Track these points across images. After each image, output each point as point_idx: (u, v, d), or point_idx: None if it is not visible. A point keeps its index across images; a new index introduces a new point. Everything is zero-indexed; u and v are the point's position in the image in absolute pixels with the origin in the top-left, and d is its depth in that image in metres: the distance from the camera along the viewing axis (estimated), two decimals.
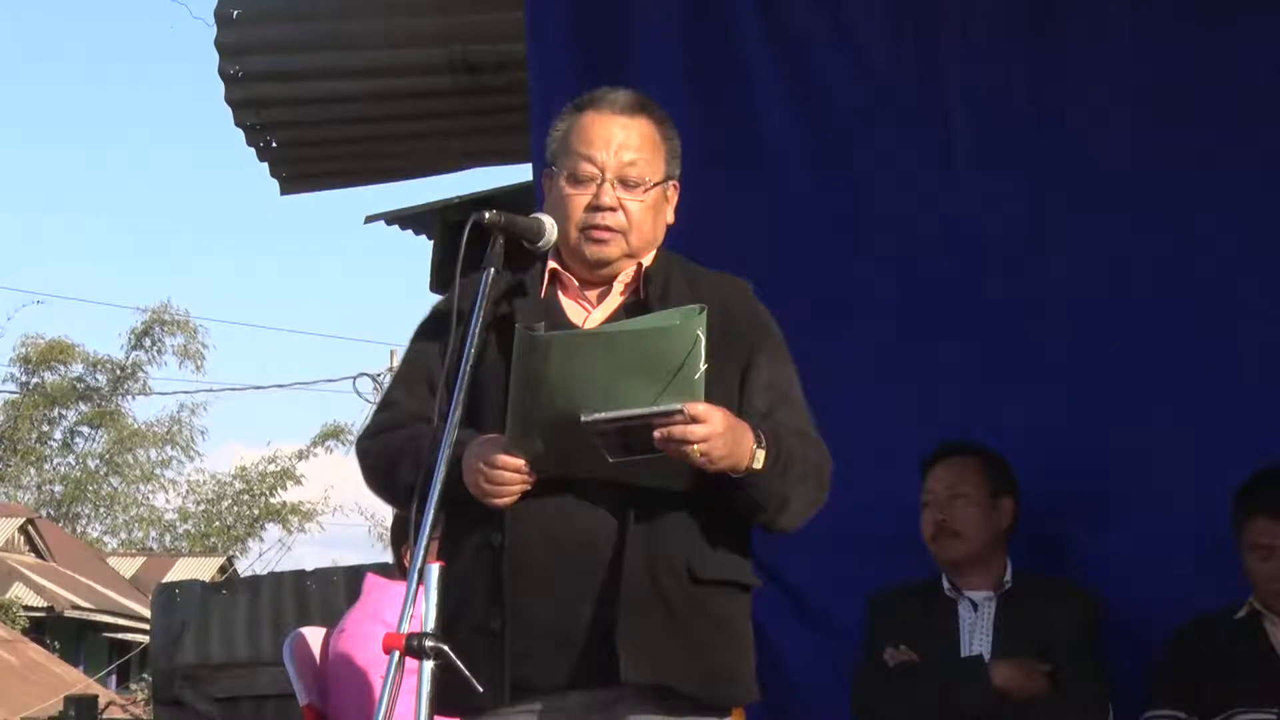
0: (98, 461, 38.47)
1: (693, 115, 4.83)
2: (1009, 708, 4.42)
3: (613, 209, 3.35)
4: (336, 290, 65.74)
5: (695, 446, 3.09)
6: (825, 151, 5.07)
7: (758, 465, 3.18)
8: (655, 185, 3.38)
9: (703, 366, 3.09)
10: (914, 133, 5.00)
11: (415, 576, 3.01)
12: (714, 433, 3.10)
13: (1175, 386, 4.75)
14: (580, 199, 3.36)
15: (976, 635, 4.56)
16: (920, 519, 4.66)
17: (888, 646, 4.55)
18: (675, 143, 3.46)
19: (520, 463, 3.15)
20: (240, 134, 6.50)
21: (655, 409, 3.07)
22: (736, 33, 5.11)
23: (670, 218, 3.45)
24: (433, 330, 3.42)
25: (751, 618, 3.37)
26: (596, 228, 3.34)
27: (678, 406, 3.07)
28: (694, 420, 3.07)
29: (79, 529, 38.96)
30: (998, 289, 4.89)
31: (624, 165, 3.35)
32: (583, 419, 3.07)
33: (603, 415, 3.07)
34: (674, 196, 3.45)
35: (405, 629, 3.00)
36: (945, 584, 4.62)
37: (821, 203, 5.05)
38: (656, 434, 3.08)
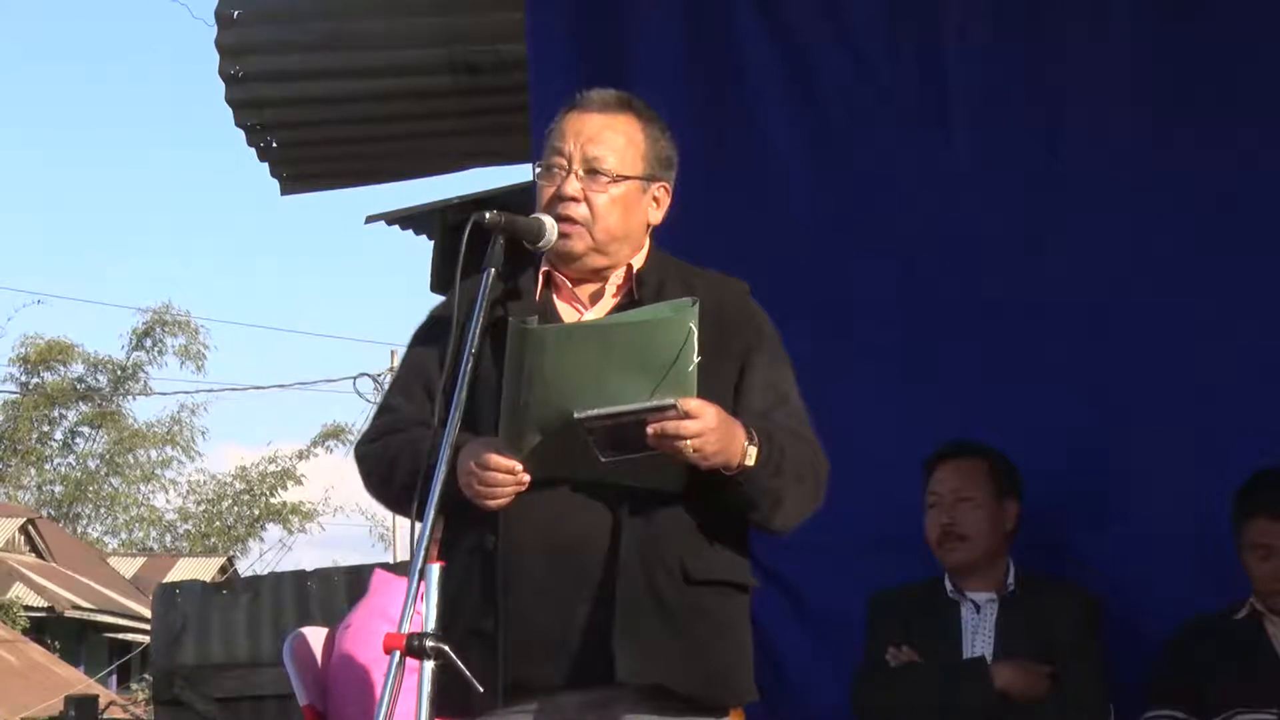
0: (98, 462, 38.48)
1: (693, 115, 4.84)
2: (1010, 709, 4.42)
3: (575, 199, 3.32)
4: (336, 290, 65.80)
5: (688, 442, 3.08)
6: (825, 151, 5.07)
7: (750, 462, 3.18)
8: (626, 179, 3.35)
9: (695, 359, 3.08)
10: (914, 133, 5.00)
11: (415, 576, 3.01)
12: (707, 428, 3.09)
13: (1175, 386, 4.75)
14: (548, 191, 3.35)
15: (979, 637, 4.55)
16: (921, 519, 4.66)
17: (889, 647, 4.55)
18: (663, 145, 3.42)
19: (512, 464, 3.14)
20: (241, 134, 6.51)
21: (648, 404, 3.07)
22: (736, 33, 5.11)
23: (654, 219, 3.41)
24: (430, 334, 3.42)
25: (751, 618, 3.37)
26: (561, 220, 3.32)
27: (670, 401, 3.06)
28: (687, 415, 3.07)
29: (79, 529, 38.96)
30: (998, 289, 4.89)
31: (589, 155, 3.33)
32: (576, 415, 3.07)
33: (595, 412, 3.06)
34: (663, 199, 3.42)
35: (406, 629, 3.00)
36: (948, 585, 4.62)
37: (821, 203, 5.05)
38: (649, 429, 3.07)
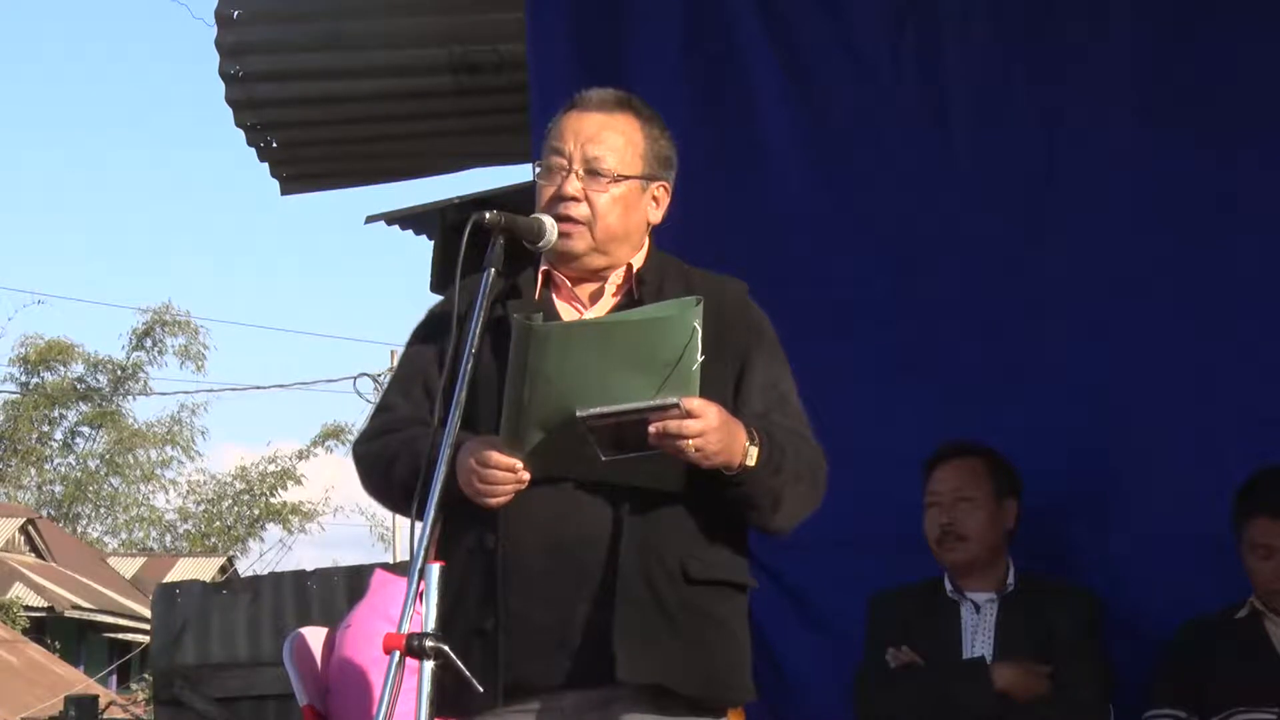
0: (98, 462, 38.48)
1: (693, 115, 4.84)
2: (1011, 709, 4.42)
3: (575, 199, 3.33)
4: (336, 290, 65.80)
5: (690, 441, 3.08)
6: (825, 151, 5.06)
7: (750, 462, 3.18)
8: (626, 179, 3.35)
9: (699, 359, 3.08)
10: (914, 133, 5.00)
11: (415, 576, 3.01)
12: (709, 427, 3.10)
13: (1175, 386, 4.75)
14: (548, 190, 3.36)
15: (979, 637, 4.56)
16: (921, 519, 4.66)
17: (889, 647, 4.55)
18: (663, 144, 3.42)
19: (513, 462, 3.14)
20: (241, 134, 6.51)
21: (651, 403, 3.07)
22: (736, 33, 5.10)
23: (654, 218, 3.42)
24: (429, 333, 3.43)
25: (750, 618, 3.37)
26: (560, 219, 3.33)
27: (673, 401, 3.06)
28: (689, 415, 3.07)
29: (79, 529, 38.96)
30: (998, 289, 4.89)
31: (589, 155, 3.34)
32: (578, 414, 3.07)
33: (597, 410, 3.06)
34: (662, 198, 3.43)
35: (406, 629, 3.00)
36: (948, 585, 4.62)
37: (821, 203, 5.05)
38: (652, 428, 3.07)
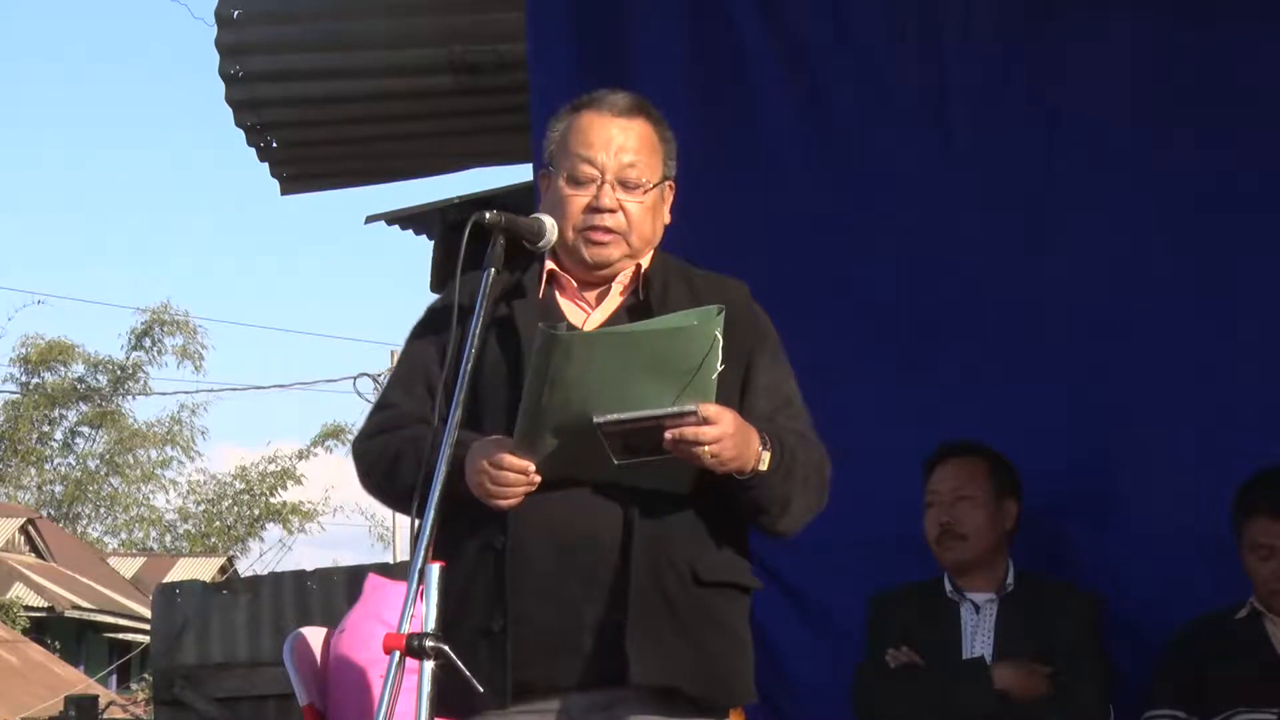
0: (98, 462, 38.48)
1: (693, 115, 4.84)
2: (1010, 709, 4.42)
3: (612, 210, 3.35)
4: (336, 290, 65.80)
5: (706, 448, 3.09)
6: (825, 151, 5.07)
7: (763, 467, 3.19)
8: (654, 186, 3.39)
9: (719, 367, 3.09)
10: (914, 133, 5.00)
11: (415, 577, 3.01)
12: (725, 434, 3.10)
13: (1175, 386, 4.75)
14: (579, 200, 3.36)
15: (978, 637, 4.56)
16: (921, 519, 4.66)
17: (889, 647, 4.55)
18: (672, 144, 3.46)
19: (526, 464, 3.14)
20: (241, 134, 6.51)
21: (669, 410, 3.07)
22: (736, 33, 5.11)
23: (667, 217, 3.45)
24: (429, 330, 3.42)
25: (751, 618, 3.38)
26: (595, 229, 3.34)
27: (691, 408, 3.07)
28: (706, 421, 3.08)
29: (79, 529, 38.96)
30: (998, 289, 4.89)
31: (623, 167, 3.36)
32: (595, 420, 3.07)
33: (615, 417, 3.06)
34: (670, 196, 3.45)
35: (405, 629, 3.00)
36: (947, 585, 4.63)
37: (821, 203, 5.05)
38: (668, 435, 3.07)
